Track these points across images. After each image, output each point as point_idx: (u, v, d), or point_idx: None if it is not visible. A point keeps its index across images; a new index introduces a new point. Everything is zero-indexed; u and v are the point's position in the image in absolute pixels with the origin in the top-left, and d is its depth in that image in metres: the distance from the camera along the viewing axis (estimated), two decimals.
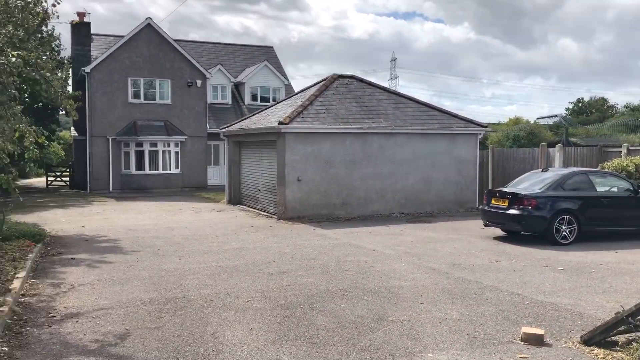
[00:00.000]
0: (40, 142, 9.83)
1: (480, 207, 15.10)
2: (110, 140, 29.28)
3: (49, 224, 16.95)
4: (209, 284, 9.04)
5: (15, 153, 10.37)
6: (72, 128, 33.35)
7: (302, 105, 18.53)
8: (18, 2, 8.73)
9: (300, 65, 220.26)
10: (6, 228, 12.42)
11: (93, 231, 15.42)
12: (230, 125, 23.31)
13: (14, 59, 7.73)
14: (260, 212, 19.92)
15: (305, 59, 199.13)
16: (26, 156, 9.85)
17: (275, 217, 18.24)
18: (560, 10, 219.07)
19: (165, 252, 11.96)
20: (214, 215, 19.25)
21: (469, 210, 19.81)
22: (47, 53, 13.82)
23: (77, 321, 6.96)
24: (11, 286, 8.25)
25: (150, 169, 29.67)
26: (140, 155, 29.59)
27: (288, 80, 35.78)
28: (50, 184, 33.91)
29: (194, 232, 15.11)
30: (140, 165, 29.61)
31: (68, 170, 35.02)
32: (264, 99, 34.08)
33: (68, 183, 33.58)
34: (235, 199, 22.74)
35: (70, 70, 32.75)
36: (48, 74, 9.15)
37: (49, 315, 7.19)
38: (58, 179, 34.36)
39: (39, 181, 39.08)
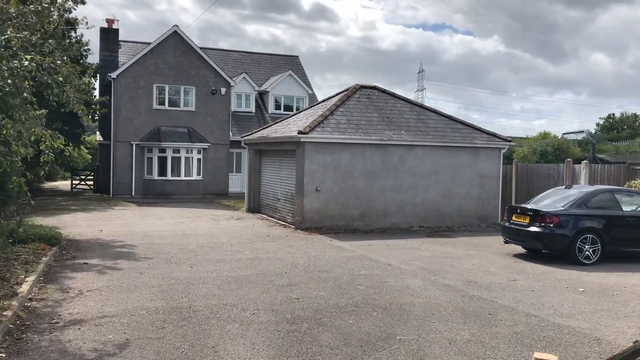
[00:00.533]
0: (57, 145, 9.80)
1: (501, 223, 14.73)
2: (134, 145, 29.58)
3: (68, 227, 17.09)
4: (217, 294, 8.91)
5: (29, 157, 10.41)
6: (98, 132, 33.83)
7: (323, 115, 18.40)
8: (32, 7, 8.79)
9: (327, 75, 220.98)
10: (23, 231, 12.51)
11: (110, 236, 15.48)
12: (252, 134, 23.32)
13: (26, 63, 7.74)
14: (278, 221, 19.80)
15: (332, 69, 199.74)
16: (41, 159, 9.84)
17: (293, 227, 18.10)
18: (592, 25, 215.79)
19: (177, 260, 11.89)
20: (232, 223, 19.20)
21: (490, 226, 19.38)
22: (64, 57, 13.87)
23: (79, 328, 6.89)
24: (19, 290, 8.23)
25: (172, 175, 29.87)
26: (163, 161, 29.83)
27: (312, 89, 35.77)
28: (74, 188, 34.41)
29: (209, 239, 15.05)
30: (162, 171, 29.83)
31: (92, 174, 35.47)
32: (288, 108, 34.10)
33: (92, 187, 34.01)
34: (255, 207, 22.68)
35: (98, 75, 33.25)
36: (61, 79, 9.16)
37: (52, 322, 7.14)
38: (82, 182, 34.82)
39: (65, 184, 39.70)
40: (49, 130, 9.69)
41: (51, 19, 9.20)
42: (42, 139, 9.72)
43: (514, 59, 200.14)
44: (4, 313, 6.90)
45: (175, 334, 6.79)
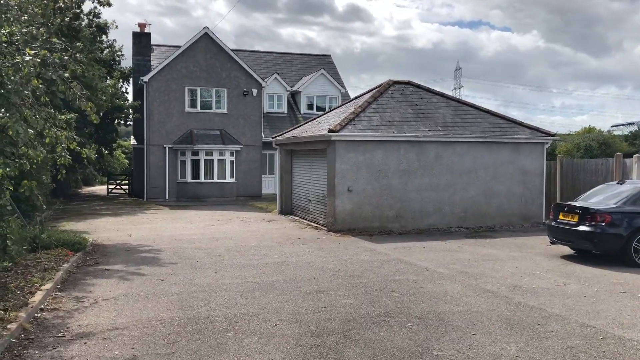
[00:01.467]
0: (73, 147, 9.39)
1: (547, 222, 13.71)
2: (167, 148, 29.46)
3: (97, 232, 16.86)
4: (239, 302, 8.31)
5: (38, 159, 10.04)
6: (132, 137, 33.94)
7: (354, 112, 17.69)
8: None
9: (362, 75, 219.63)
10: (46, 236, 12.22)
11: (138, 240, 15.13)
12: (283, 134, 22.78)
13: (28, 58, 7.31)
14: (310, 223, 19.18)
15: (367, 70, 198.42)
16: (58, 162, 9.45)
17: (325, 228, 17.44)
18: (637, 16, 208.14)
19: (202, 265, 11.37)
20: (263, 225, 18.67)
21: (534, 226, 18.30)
22: (83, 57, 13.61)
23: (85, 343, 6.38)
24: (31, 300, 7.82)
25: (205, 178, 29.62)
26: (195, 164, 29.62)
27: (345, 88, 35.08)
28: (110, 192, 34.60)
29: (237, 243, 14.52)
30: (195, 174, 29.63)
31: (127, 178, 35.63)
32: (320, 108, 33.47)
33: (127, 191, 34.13)
34: (287, 209, 22.13)
35: (131, 80, 33.35)
36: (67, 75, 8.74)
37: (59, 335, 6.65)
38: (118, 187, 35.00)
39: (102, 189, 40.06)
40: (64, 132, 9.29)
41: (56, 10, 8.75)
42: (58, 142, 9.34)
43: (554, 54, 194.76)
44: (8, 326, 6.45)
45: (187, 349, 6.20)
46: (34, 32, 7.95)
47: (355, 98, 20.83)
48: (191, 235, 16.23)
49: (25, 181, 8.58)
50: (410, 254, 12.94)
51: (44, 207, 17.07)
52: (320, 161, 18.85)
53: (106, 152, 34.04)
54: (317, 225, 18.37)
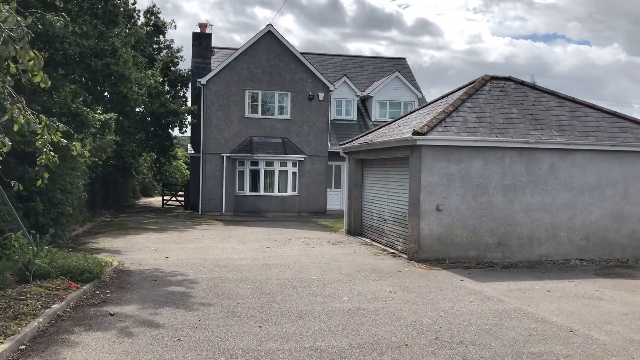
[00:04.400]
0: (57, 140, 6.43)
1: None
2: (224, 158, 26.79)
3: (131, 252, 14.09)
4: None
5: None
6: (190, 145, 31.66)
7: (445, 112, 14.14)
8: None
9: (432, 90, 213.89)
10: (46, 261, 9.36)
11: (173, 265, 12.16)
12: (352, 141, 19.43)
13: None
14: (385, 248, 15.69)
15: (437, 84, 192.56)
16: (38, 162, 6.54)
17: (405, 256, 13.91)
18: None
19: (243, 310, 8.15)
20: (327, 249, 15.34)
21: None
22: (121, 40, 11.04)
23: None
24: None
25: (265, 191, 26.69)
26: (255, 175, 26.77)
27: (422, 93, 31.40)
28: (165, 204, 32.39)
29: (295, 274, 11.25)
30: (254, 186, 26.77)
31: (183, 189, 33.36)
32: (394, 115, 29.86)
33: (182, 203, 31.78)
34: (356, 229, 18.71)
35: (190, 84, 31.12)
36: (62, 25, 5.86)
37: None
38: (174, 198, 32.76)
39: (159, 200, 37.99)
40: (43, 118, 6.33)
41: None
42: (39, 132, 6.42)
43: (636, 68, 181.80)
44: None
45: None
46: None
47: (442, 97, 17.23)
48: (240, 260, 13.12)
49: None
50: (533, 301, 9.20)
51: (71, 220, 14.49)
52: (399, 172, 15.38)
53: (164, 160, 31.88)
54: (395, 252, 14.86)
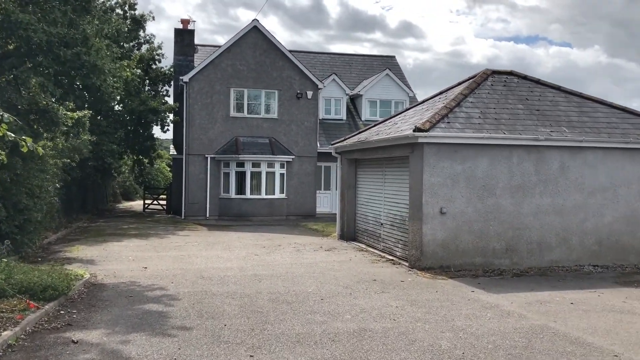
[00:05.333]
0: (1, 134, 5.25)
1: None
2: (208, 159, 25.53)
3: (106, 262, 12.85)
4: None
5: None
6: (172, 146, 30.31)
7: (447, 107, 13.09)
8: None
9: (416, 91, 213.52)
10: (4, 278, 8.10)
11: (152, 277, 10.95)
12: (345, 140, 18.32)
13: None
14: (382, 254, 14.61)
15: (421, 86, 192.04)
16: None
17: (406, 264, 12.84)
18: None
19: (232, 335, 6.99)
20: (321, 256, 14.21)
21: None
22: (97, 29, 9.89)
23: None
24: None
25: (251, 193, 25.46)
26: (241, 177, 25.53)
27: (413, 92, 30.41)
28: (147, 208, 30.98)
29: (288, 286, 10.11)
30: (240, 189, 25.53)
31: (165, 192, 31.98)
32: (385, 114, 28.80)
33: (164, 207, 30.40)
34: (349, 234, 17.61)
35: (172, 83, 29.79)
36: None
37: None
38: (155, 202, 31.34)
39: (140, 204, 36.53)
40: None
41: None
42: None
43: (617, 70, 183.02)
44: None
45: None
46: None
47: (441, 93, 16.18)
48: (226, 270, 11.94)
49: None
50: (559, 317, 8.15)
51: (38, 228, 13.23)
52: (397, 173, 14.32)
53: (145, 161, 30.42)
54: (394, 259, 13.78)
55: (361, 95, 29.39)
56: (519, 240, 12.70)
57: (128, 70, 21.34)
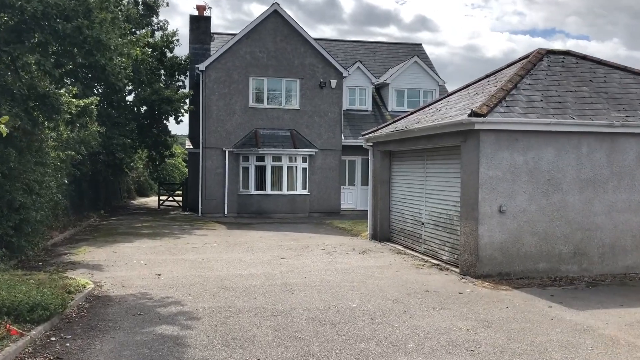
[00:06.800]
0: None
1: None
2: (226, 152, 23.97)
3: (115, 267, 11.34)
4: None
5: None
6: (188, 140, 28.80)
7: (504, 89, 11.34)
8: None
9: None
10: None
11: (166, 287, 9.40)
12: (378, 129, 16.60)
13: None
14: (424, 257, 12.93)
15: None
16: None
17: (456, 270, 11.15)
18: None
19: None
20: (356, 260, 12.56)
21: None
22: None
23: None
24: None
25: (272, 189, 23.86)
26: (261, 172, 23.95)
27: (443, 80, 28.54)
28: (162, 204, 29.54)
29: (327, 300, 8.48)
30: (260, 184, 23.94)
31: (181, 188, 30.52)
32: (413, 104, 27.03)
33: (180, 204, 28.93)
34: (382, 234, 15.94)
35: (188, 73, 28.24)
36: None
37: None
38: (171, 198, 29.89)
39: (155, 200, 35.13)
40: None
41: None
42: None
43: (636, 63, 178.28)
44: None
45: None
46: None
47: (489, 76, 14.38)
48: (251, 277, 10.35)
49: None
50: None
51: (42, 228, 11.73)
52: (442, 165, 12.61)
53: (159, 156, 28.95)
54: (439, 263, 12.09)
55: (388, 84, 27.60)
56: (589, 243, 10.93)
57: (138, 49, 19.68)
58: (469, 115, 10.35)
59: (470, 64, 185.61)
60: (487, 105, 10.57)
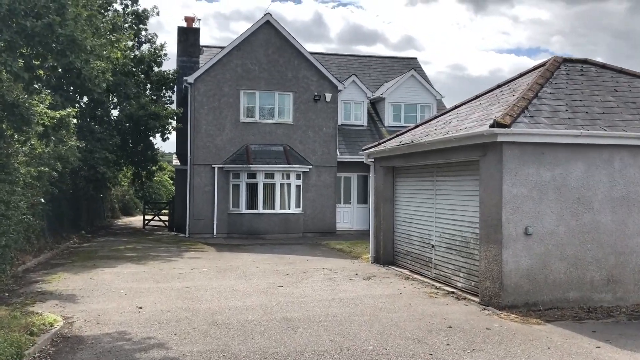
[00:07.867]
0: None
1: None
2: (216, 169, 22.73)
3: (91, 298, 10.03)
4: None
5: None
6: (175, 156, 27.50)
7: (525, 98, 10.28)
8: None
9: None
10: None
11: (148, 324, 8.10)
12: (380, 144, 15.47)
13: None
14: (435, 283, 11.73)
15: None
16: None
17: (475, 299, 9.96)
18: None
19: None
20: (361, 287, 11.33)
21: None
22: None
23: None
24: None
25: (264, 208, 22.60)
26: (252, 190, 22.70)
27: (440, 95, 27.59)
28: (147, 224, 28.12)
29: (338, 341, 7.24)
30: (252, 203, 22.68)
31: (167, 207, 29.15)
32: (410, 119, 26.01)
33: (167, 223, 27.53)
34: (386, 257, 14.74)
35: (175, 87, 27.05)
36: None
37: None
38: (156, 218, 28.48)
39: (141, 220, 33.65)
40: None
41: None
42: None
43: None
44: None
45: None
46: None
47: (502, 85, 13.33)
48: (246, 310, 9.08)
49: None
50: None
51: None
52: (455, 182, 11.49)
53: (145, 173, 27.64)
54: (454, 290, 10.89)
55: (384, 99, 26.58)
56: (623, 269, 9.81)
57: (119, 52, 18.37)
58: (491, 126, 9.25)
59: (456, 83, 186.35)
60: (509, 115, 9.48)
